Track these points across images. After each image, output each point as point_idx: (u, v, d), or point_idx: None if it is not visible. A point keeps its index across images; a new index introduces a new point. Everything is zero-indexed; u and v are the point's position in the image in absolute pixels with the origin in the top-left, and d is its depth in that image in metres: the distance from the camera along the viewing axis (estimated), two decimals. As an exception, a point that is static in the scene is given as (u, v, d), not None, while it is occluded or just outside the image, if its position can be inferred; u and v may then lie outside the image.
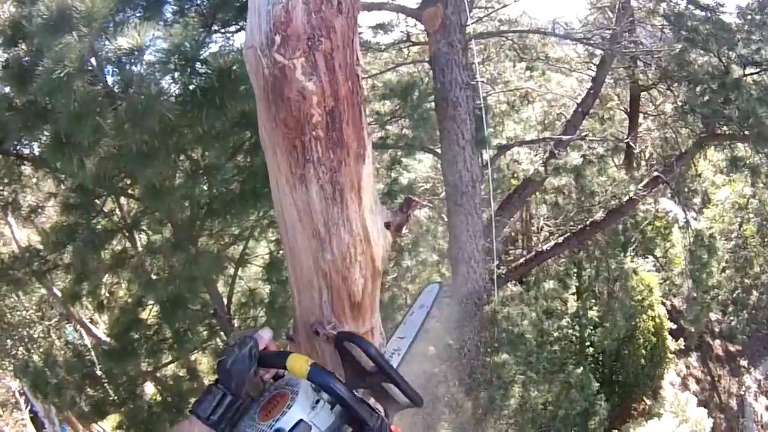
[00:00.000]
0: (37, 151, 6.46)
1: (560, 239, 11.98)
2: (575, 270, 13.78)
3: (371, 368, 1.46)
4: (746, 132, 9.17)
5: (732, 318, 17.40)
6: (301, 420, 1.29)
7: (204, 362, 8.71)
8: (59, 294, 8.29)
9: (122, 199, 7.53)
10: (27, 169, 7.33)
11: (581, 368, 11.93)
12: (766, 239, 15.82)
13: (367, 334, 1.61)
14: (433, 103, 9.43)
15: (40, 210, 8.30)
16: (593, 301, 13.58)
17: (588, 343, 13.32)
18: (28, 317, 11.32)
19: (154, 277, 6.48)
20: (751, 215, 15.21)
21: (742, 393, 18.30)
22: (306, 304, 1.56)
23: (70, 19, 3.83)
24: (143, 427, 6.63)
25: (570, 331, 12.89)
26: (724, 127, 9.82)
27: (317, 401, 1.33)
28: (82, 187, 6.32)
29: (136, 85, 4.52)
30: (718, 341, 19.17)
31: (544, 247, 12.08)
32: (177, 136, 5.24)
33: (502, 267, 11.55)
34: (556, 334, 12.20)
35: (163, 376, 7.68)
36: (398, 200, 10.18)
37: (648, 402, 16.03)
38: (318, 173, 1.32)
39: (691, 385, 18.07)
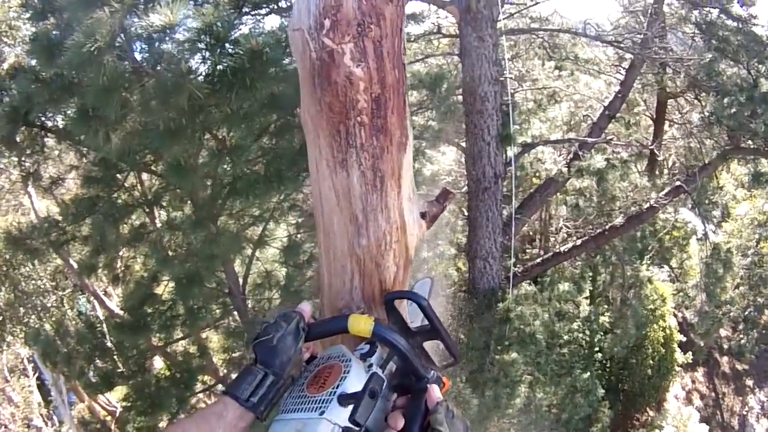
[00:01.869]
0: (61, 123, 6.54)
1: (578, 242, 11.90)
2: (590, 274, 13.70)
3: (416, 328, 1.49)
4: None
5: (742, 336, 17.19)
6: (374, 373, 1.30)
7: (215, 340, 8.79)
8: (75, 265, 8.39)
9: (144, 175, 7.62)
10: (50, 141, 7.43)
11: (588, 373, 11.90)
12: None
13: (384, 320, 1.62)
14: (460, 97, 9.39)
15: (60, 182, 8.39)
16: (606, 306, 13.51)
17: (597, 349, 13.27)
18: (42, 286, 11.48)
19: (171, 253, 6.54)
20: None
21: (745, 413, 18.16)
22: (336, 289, 1.56)
23: None
24: (149, 401, 6.70)
25: (580, 335, 12.83)
26: (749, 141, 9.69)
27: (370, 365, 1.33)
28: (105, 161, 6.37)
29: (165, 62, 4.54)
30: (725, 358, 19.00)
31: (562, 249, 12.00)
32: (204, 115, 5.26)
33: (518, 265, 11.51)
34: (566, 337, 12.14)
35: (174, 351, 7.78)
36: (420, 191, 10.15)
37: (651, 413, 15.96)
38: (360, 159, 1.32)
39: (695, 399, 17.95)
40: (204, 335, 7.87)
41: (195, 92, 4.38)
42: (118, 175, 6.80)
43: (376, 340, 1.35)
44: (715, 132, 10.50)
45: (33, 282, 11.37)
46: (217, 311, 7.41)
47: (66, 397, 12.93)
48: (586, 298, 13.72)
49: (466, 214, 10.34)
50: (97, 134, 5.06)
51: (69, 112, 5.69)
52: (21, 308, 11.16)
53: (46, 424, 12.22)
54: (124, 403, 7.63)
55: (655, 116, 13.22)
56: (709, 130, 10.65)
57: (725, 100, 9.45)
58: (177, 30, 4.39)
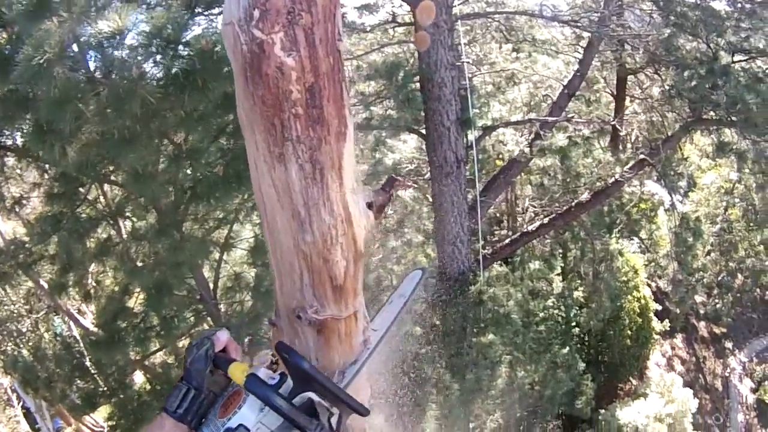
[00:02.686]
0: (19, 141, 6.36)
1: (545, 220, 12.03)
2: (561, 251, 13.85)
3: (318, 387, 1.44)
4: (733, 118, 9.23)
5: (717, 300, 17.62)
6: (240, 425, 1.35)
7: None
8: (46, 286, 8.19)
9: (106, 187, 7.45)
10: (10, 160, 7.22)
11: (567, 348, 12.05)
12: (751, 224, 15.98)
13: (350, 318, 1.58)
14: (418, 84, 9.38)
15: (24, 201, 8.16)
16: (579, 281, 13.68)
17: (574, 324, 13.43)
18: (15, 311, 11.19)
19: (139, 264, 6.42)
20: (737, 200, 15.34)
21: (727, 374, 18.59)
22: (287, 288, 1.53)
23: (49, 4, 3.75)
24: (133, 417, 6.61)
25: (556, 311, 12.99)
26: (711, 113, 9.87)
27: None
28: (66, 176, 6.25)
29: (117, 69, 4.44)
30: (703, 323, 19.43)
31: (530, 228, 12.12)
32: (159, 120, 5.17)
33: (487, 247, 11.60)
34: (542, 315, 12.28)
35: (152, 364, 7.66)
36: (382, 181, 10.12)
37: (634, 382, 16.23)
38: (297, 152, 1.28)
39: (676, 365, 18.32)
40: (180, 344, 7.73)
41: (147, 97, 4.29)
42: (80, 189, 6.66)
43: (249, 392, 1.37)
44: (677, 105, 10.68)
45: (5, 308, 11.07)
46: (191, 318, 7.30)
47: (52, 423, 12.66)
48: (559, 274, 13.88)
49: (431, 200, 10.36)
50: (53, 149, 4.94)
51: (25, 128, 5.54)
52: None
53: None
54: (109, 423, 7.50)
55: (615, 93, 13.37)
56: (671, 103, 10.84)
57: (685, 74, 9.62)
58: (127, 35, 4.30)
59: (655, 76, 11.44)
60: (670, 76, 10.19)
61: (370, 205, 1.47)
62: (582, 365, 12.29)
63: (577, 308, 13.61)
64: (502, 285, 10.72)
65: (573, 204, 11.72)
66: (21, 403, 12.44)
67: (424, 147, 10.48)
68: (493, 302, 10.03)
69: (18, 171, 8.04)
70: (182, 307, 6.89)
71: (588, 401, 12.35)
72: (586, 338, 14.48)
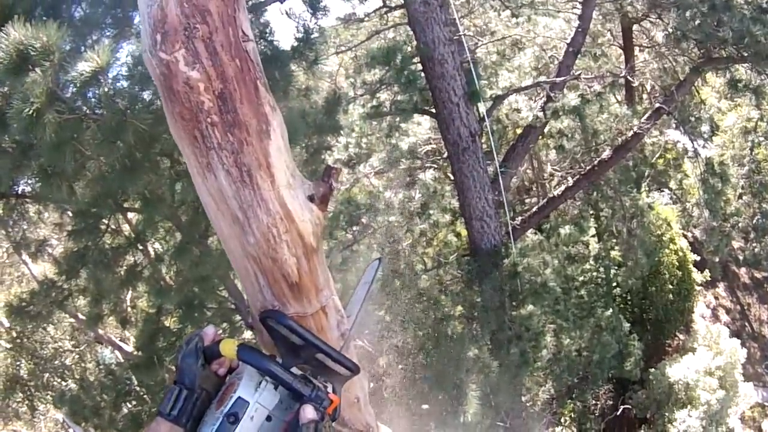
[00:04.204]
0: (34, 186, 6.57)
1: (570, 182, 11.81)
2: (592, 212, 13.61)
3: (301, 342, 1.47)
4: (744, 53, 8.90)
5: (755, 244, 17.07)
6: (239, 398, 1.35)
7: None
8: (83, 318, 8.45)
9: (129, 214, 7.64)
10: (31, 206, 7.46)
11: (610, 310, 11.87)
12: None
13: (317, 314, 1.60)
14: (419, 65, 9.32)
15: (51, 243, 8.42)
16: (614, 241, 13.41)
17: (614, 284, 13.23)
18: (60, 347, 11.58)
19: (169, 283, 6.58)
20: (761, 138, 14.84)
21: None
22: (249, 292, 1.56)
23: (28, 57, 3.85)
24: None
25: (595, 274, 12.79)
26: (721, 51, 9.52)
27: (260, 382, 1.38)
28: (83, 212, 6.38)
29: (104, 104, 4.55)
30: (743, 269, 18.94)
31: (556, 192, 11.92)
32: (159, 144, 5.27)
33: (517, 218, 11.44)
34: (581, 279, 12.11)
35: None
36: (401, 166, 10.07)
37: (681, 337, 15.95)
38: (221, 158, 1.31)
39: (721, 316, 17.92)
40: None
41: (139, 126, 4.38)
42: (103, 221, 6.83)
43: (242, 361, 1.39)
44: (685, 48, 10.33)
45: (50, 345, 11.45)
46: (228, 329, 7.45)
47: None
48: (594, 236, 13.66)
49: (452, 178, 10.27)
50: (61, 189, 5.10)
51: (32, 175, 5.74)
52: (44, 374, 11.22)
53: None
54: None
55: (623, 44, 13.03)
56: (678, 47, 10.49)
57: (687, 14, 9.30)
58: (108, 71, 4.40)
59: (659, 20, 11.08)
60: (673, 18, 9.85)
61: (312, 198, 1.47)
62: (627, 326, 12.12)
63: (616, 268, 13.39)
64: (536, 254, 10.55)
65: (596, 162, 11.49)
66: None
67: (437, 126, 10.40)
68: (529, 272, 9.87)
69: (39, 215, 8.30)
70: (216, 319, 7.03)
71: (636, 362, 12.17)
72: (629, 298, 14.27)
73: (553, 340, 9.98)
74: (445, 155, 10.28)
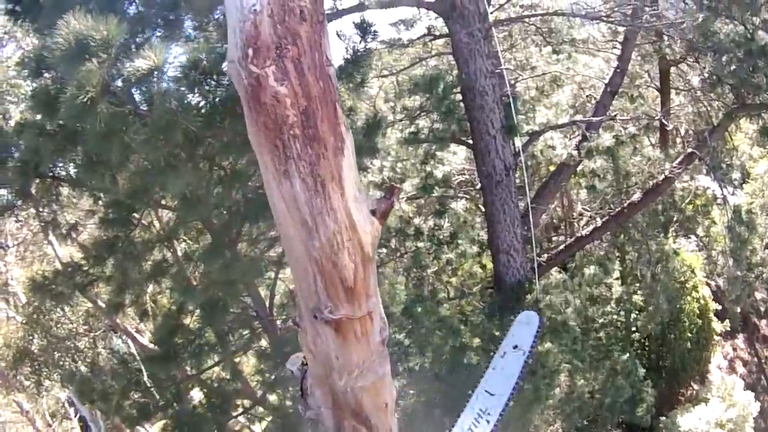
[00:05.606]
0: (72, 171, 6.79)
1: (599, 223, 11.78)
2: (617, 254, 13.53)
3: None
4: None
5: None
6: None
7: (248, 364, 8.91)
8: (103, 305, 8.60)
9: (160, 211, 7.82)
10: (64, 189, 7.68)
11: (627, 354, 11.69)
12: None
13: (364, 318, 1.71)
14: (459, 95, 9.44)
15: (80, 227, 8.61)
16: (637, 285, 13.30)
17: (633, 329, 13.08)
18: (74, 330, 11.77)
19: (194, 283, 6.71)
20: None
21: None
22: (304, 291, 1.67)
23: (87, 47, 4.03)
24: (188, 429, 6.84)
25: (615, 316, 12.67)
26: (755, 98, 9.51)
27: None
28: (119, 202, 6.57)
29: (158, 102, 4.72)
30: (764, 321, 18.58)
31: (584, 232, 11.89)
32: (204, 147, 5.44)
33: (543, 255, 11.42)
34: (601, 321, 11.98)
35: (208, 378, 7.91)
36: (435, 194, 10.16)
37: (695, 387, 15.61)
38: (299, 168, 1.43)
39: (738, 367, 17.53)
40: (237, 359, 8.00)
41: (189, 127, 4.55)
42: (134, 214, 7.01)
43: None
44: (719, 92, 10.34)
45: (65, 327, 11.64)
46: (246, 335, 7.55)
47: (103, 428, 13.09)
48: (617, 279, 13.55)
49: (483, 210, 10.32)
50: (104, 178, 5.28)
51: (77, 160, 5.95)
52: (55, 353, 11.40)
53: None
54: None
55: (660, 86, 13.05)
56: (713, 91, 10.50)
57: (723, 59, 9.29)
58: (165, 69, 4.58)
59: (695, 64, 11.11)
60: (709, 62, 9.87)
61: (374, 212, 1.59)
62: (642, 371, 11.91)
63: (636, 312, 13.26)
64: (559, 292, 10.48)
65: (625, 205, 11.45)
66: (77, 416, 12.91)
67: (472, 157, 10.48)
68: (550, 310, 9.80)
69: (73, 199, 8.52)
70: (237, 323, 7.14)
71: (648, 408, 11.92)
72: (647, 343, 14.07)
73: (567, 380, 9.89)
74: (478, 186, 10.33)
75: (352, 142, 1.50)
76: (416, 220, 9.50)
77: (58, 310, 10.88)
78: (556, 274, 11.76)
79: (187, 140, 4.83)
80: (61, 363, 11.26)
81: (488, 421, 1.92)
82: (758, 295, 16.97)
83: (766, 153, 14.71)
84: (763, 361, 17.72)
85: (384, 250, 8.93)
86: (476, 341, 9.09)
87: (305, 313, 1.75)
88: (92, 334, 11.77)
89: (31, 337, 11.38)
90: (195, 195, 5.48)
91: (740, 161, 12.72)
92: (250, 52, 1.33)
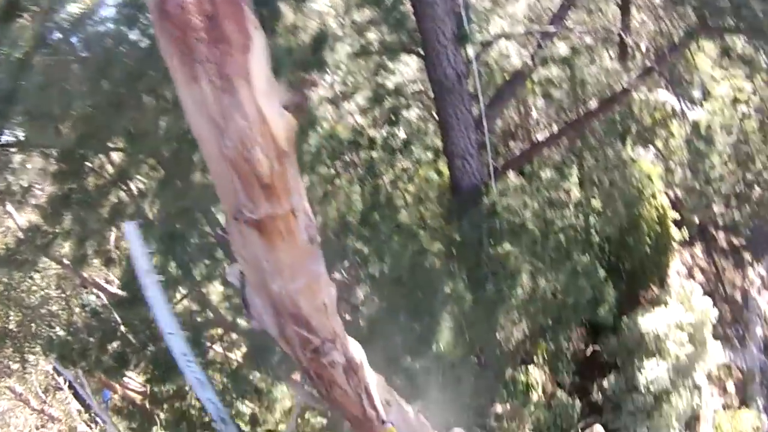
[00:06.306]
0: (21, 135, 6.58)
1: (555, 130, 11.89)
2: (575, 160, 13.70)
3: None
4: (740, 25, 8.88)
5: (735, 211, 17.39)
6: None
7: (214, 292, 8.88)
8: (68, 262, 8.48)
9: (113, 154, 7.64)
10: (16, 157, 7.45)
11: (587, 256, 12.03)
12: (767, 137, 15.65)
13: (287, 216, 1.75)
14: (410, 5, 9.27)
15: (33, 189, 8.37)
16: (595, 190, 13.55)
17: (593, 232, 13.40)
18: (46, 295, 11.68)
19: (149, 219, 6.66)
20: (753, 112, 14.98)
21: (746, 287, 18.65)
22: (224, 194, 1.71)
23: (18, 3, 3.88)
24: (164, 366, 6.94)
25: (574, 220, 12.94)
26: (717, 20, 9.50)
27: None
28: (67, 154, 6.38)
29: (93, 43, 4.60)
30: (722, 234, 19.27)
31: (540, 138, 12.01)
32: (144, 81, 5.29)
33: (499, 160, 11.53)
34: (559, 224, 12.24)
35: (179, 314, 7.94)
36: (385, 104, 10.07)
37: (655, 290, 16.29)
38: (206, 70, 1.45)
39: (696, 274, 18.34)
40: (204, 289, 7.99)
41: (126, 62, 4.46)
42: (86, 163, 6.83)
43: None
44: (681, 12, 10.31)
45: (36, 294, 11.55)
46: (209, 264, 7.49)
47: (101, 395, 13.14)
48: (575, 184, 13.79)
49: (437, 117, 10.29)
50: (46, 131, 5.16)
51: (17, 119, 5.74)
52: (33, 324, 11.33)
53: (91, 427, 12.57)
54: (144, 378, 7.78)
55: (620, 2, 12.92)
56: (675, 10, 10.47)
57: (686, -23, 9.24)
58: (98, 12, 4.44)
59: (658, -19, 11.02)
60: (671, -21, 9.80)
61: (287, 106, 1.60)
62: (603, 273, 12.31)
63: (595, 216, 13.56)
64: (517, 196, 10.68)
65: (582, 113, 11.56)
66: (67, 383, 12.93)
67: (425, 67, 10.37)
68: (508, 213, 9.96)
69: (25, 165, 8.25)
70: (200, 253, 7.09)
71: (610, 309, 12.29)
72: (606, 246, 14.49)
73: (529, 281, 10.12)
74: (431, 95, 10.30)
75: (261, 38, 1.51)
76: (370, 131, 9.41)
77: (28, 279, 10.73)
78: (514, 180, 11.91)
79: (127, 77, 4.73)
80: (40, 333, 11.19)
81: (190, 360, 2.08)
82: (716, 209, 17.55)
83: (727, 75, 14.85)
84: (720, 271, 18.53)
85: (338, 163, 8.88)
86: (437, 245, 9.26)
87: (229, 218, 1.78)
88: (64, 295, 11.66)
89: (7, 316, 11.29)
90: (140, 129, 5.38)
91: (701, 79, 12.82)
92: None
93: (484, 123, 9.67)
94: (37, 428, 12.57)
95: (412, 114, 10.42)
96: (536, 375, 13.65)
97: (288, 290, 1.98)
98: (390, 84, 9.53)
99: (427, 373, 7.78)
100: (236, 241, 1.83)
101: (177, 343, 2.38)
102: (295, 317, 2.11)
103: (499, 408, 12.39)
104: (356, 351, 2.54)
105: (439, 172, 10.66)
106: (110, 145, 6.78)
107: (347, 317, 7.83)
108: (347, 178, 8.79)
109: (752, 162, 15.38)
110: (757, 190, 16.42)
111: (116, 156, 7.81)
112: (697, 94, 13.32)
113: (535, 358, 14.05)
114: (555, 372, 14.22)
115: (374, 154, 8.77)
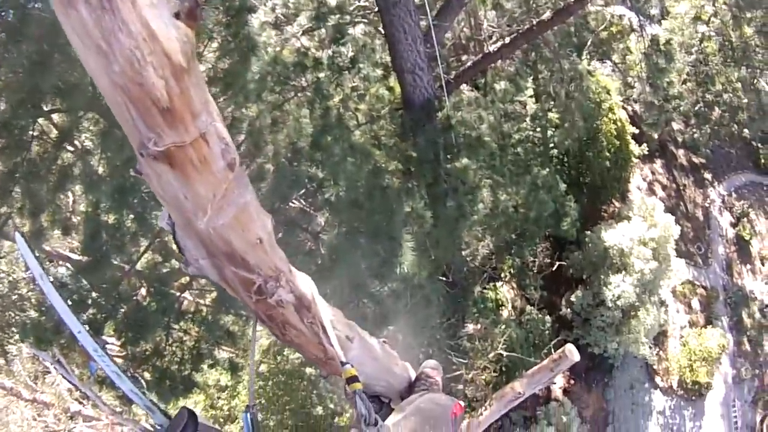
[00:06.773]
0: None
1: (507, 40, 11.66)
2: (529, 71, 13.57)
3: None
4: None
5: (695, 130, 17.63)
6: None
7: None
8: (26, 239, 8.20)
9: (54, 117, 7.32)
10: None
11: (547, 170, 12.10)
12: (728, 60, 15.68)
13: (197, 142, 1.56)
14: None
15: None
16: (552, 102, 13.49)
17: (551, 145, 13.46)
18: (14, 280, 11.48)
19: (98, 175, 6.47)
20: (713, 33, 14.90)
21: (707, 205, 19.11)
22: (126, 128, 1.55)
23: None
24: (137, 326, 6.90)
25: (531, 133, 12.94)
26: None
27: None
28: (5, 125, 6.10)
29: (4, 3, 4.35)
30: (681, 151, 19.57)
31: (492, 48, 11.79)
32: (63, 31, 5.02)
33: (451, 72, 11.31)
34: (517, 137, 12.20)
35: (143, 269, 7.87)
36: (330, 22, 9.68)
37: (617, 204, 16.65)
38: (79, -11, 1.31)
39: (657, 190, 18.71)
40: (165, 239, 7.85)
41: (42, 15, 4.23)
42: (29, 132, 6.53)
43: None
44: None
45: (5, 281, 11.38)
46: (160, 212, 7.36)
47: (67, 367, 13.09)
48: (531, 97, 13.69)
49: (383, 32, 9.98)
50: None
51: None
52: (6, 313, 11.19)
53: (83, 404, 12.57)
54: (119, 341, 7.69)
55: None
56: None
57: None
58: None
59: None
60: None
61: (177, 15, 1.43)
62: (563, 186, 12.46)
63: (553, 129, 13.59)
64: (472, 109, 10.36)
65: (535, 23, 11.31)
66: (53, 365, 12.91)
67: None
68: (463, 126, 9.78)
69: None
70: (154, 202, 6.93)
71: (573, 222, 12.57)
72: (566, 160, 14.66)
73: (489, 195, 10.06)
74: (376, 10, 9.95)
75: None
76: (315, 52, 9.07)
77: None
78: (468, 93, 11.73)
79: (47, 31, 4.49)
80: (14, 320, 10.97)
81: (100, 354, 2.02)
82: (675, 126, 17.74)
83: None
84: (681, 187, 18.94)
85: (285, 87, 8.58)
86: (393, 163, 9.12)
87: (138, 156, 1.61)
88: (31, 275, 11.42)
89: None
90: (70, 84, 5.14)
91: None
92: None
93: (433, 35, 9.41)
94: (34, 419, 12.47)
95: (358, 30, 9.99)
96: (505, 292, 14.01)
97: (216, 227, 1.77)
98: (332, 1, 9.10)
99: (394, 296, 7.81)
100: (152, 180, 1.67)
101: (86, 339, 2.28)
102: (229, 256, 1.90)
103: (470, 327, 12.72)
104: (306, 285, 2.29)
105: (390, 89, 10.32)
106: (45, 108, 6.47)
107: (309, 246, 7.75)
108: (296, 102, 8.48)
109: (712, 83, 15.55)
110: (717, 111, 16.72)
111: (57, 118, 7.51)
112: (655, 11, 13.18)
113: (502, 274, 14.37)
114: (523, 288, 14.60)
115: (321, 75, 8.44)
